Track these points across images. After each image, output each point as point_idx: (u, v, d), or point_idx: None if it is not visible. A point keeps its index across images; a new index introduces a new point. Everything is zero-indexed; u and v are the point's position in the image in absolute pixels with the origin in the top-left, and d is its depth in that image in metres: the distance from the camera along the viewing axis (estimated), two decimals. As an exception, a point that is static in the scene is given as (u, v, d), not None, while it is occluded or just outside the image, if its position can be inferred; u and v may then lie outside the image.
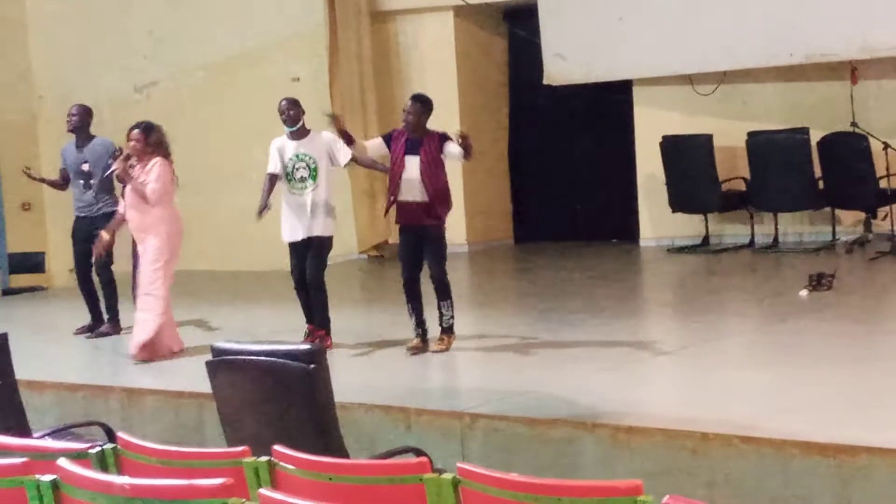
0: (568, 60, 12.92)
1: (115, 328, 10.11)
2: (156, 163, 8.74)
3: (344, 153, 8.74)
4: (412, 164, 8.18)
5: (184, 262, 13.12)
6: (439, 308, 8.32)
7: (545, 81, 13.19)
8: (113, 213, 9.73)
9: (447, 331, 8.36)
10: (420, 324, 8.40)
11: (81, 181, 9.99)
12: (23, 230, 15.13)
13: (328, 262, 8.86)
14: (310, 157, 8.68)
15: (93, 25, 15.03)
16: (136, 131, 8.81)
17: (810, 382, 7.00)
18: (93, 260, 9.74)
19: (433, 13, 13.87)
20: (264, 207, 8.63)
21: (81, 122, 9.98)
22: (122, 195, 8.95)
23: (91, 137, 10.04)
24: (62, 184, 10.26)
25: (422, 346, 8.36)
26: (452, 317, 8.35)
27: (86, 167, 9.92)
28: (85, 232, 9.96)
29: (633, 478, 3.78)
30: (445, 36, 13.88)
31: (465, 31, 14.04)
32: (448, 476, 3.92)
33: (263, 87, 13.56)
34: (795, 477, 5.67)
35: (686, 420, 6.23)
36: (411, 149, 8.22)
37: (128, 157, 8.78)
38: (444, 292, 8.29)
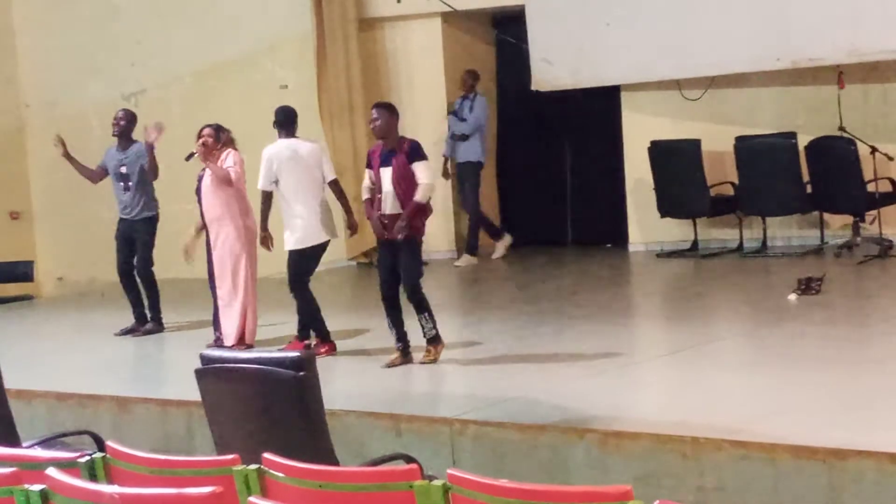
0: (556, 66, 12.93)
1: (159, 327, 10.34)
2: (229, 152, 9.02)
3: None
4: (386, 177, 8.10)
5: (176, 270, 13.17)
6: (419, 321, 8.21)
7: (533, 87, 13.19)
8: (153, 217, 10.23)
9: (432, 341, 8.26)
10: (400, 338, 8.27)
11: (121, 183, 10.24)
12: (11, 239, 15.10)
13: (311, 270, 8.87)
14: None
15: (80, 33, 15.02)
16: (207, 129, 9.09)
17: (800, 386, 7.02)
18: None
19: (421, 20, 13.87)
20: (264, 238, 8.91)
21: (128, 127, 10.27)
22: (196, 191, 9.15)
23: (133, 142, 10.27)
24: (93, 172, 10.42)
25: (400, 361, 8.24)
26: (433, 328, 8.20)
27: (123, 169, 10.19)
28: (126, 234, 10.26)
29: (623, 483, 3.78)
30: (433, 42, 13.88)
31: (452, 37, 14.04)
32: (438, 483, 3.92)
33: (251, 94, 13.56)
34: (785, 480, 5.68)
35: (676, 424, 6.24)
36: (385, 160, 8.14)
37: (205, 143, 8.99)
38: (419, 306, 8.15)
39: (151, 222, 10.25)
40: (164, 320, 10.38)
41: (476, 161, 13.01)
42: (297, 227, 8.71)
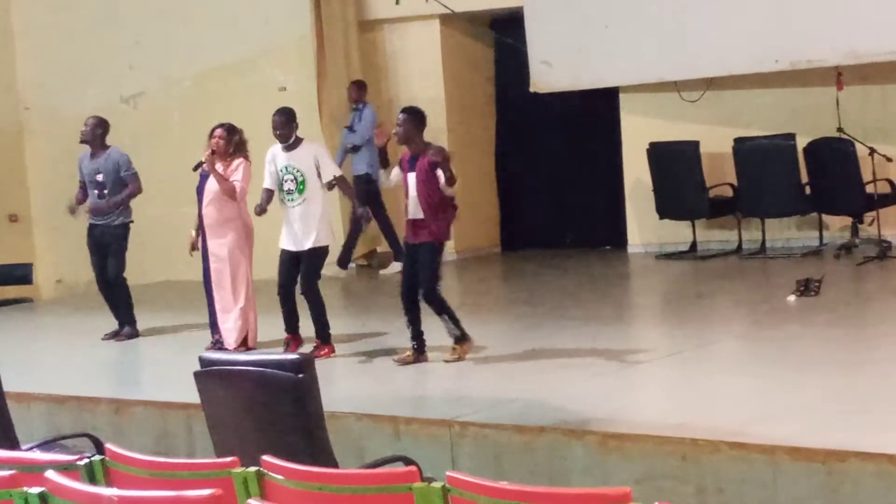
0: (554, 68, 12.94)
1: (135, 331, 10.27)
2: (240, 162, 8.99)
3: (329, 170, 8.72)
4: (411, 182, 8.14)
5: (173, 273, 13.18)
6: (442, 323, 8.26)
7: (532, 89, 13.19)
8: (128, 224, 10.15)
9: (457, 341, 8.29)
10: (415, 336, 8.33)
11: (96, 191, 10.15)
12: (10, 242, 15.10)
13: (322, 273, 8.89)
14: (297, 170, 8.69)
15: (79, 36, 15.02)
16: (219, 129, 9.03)
17: (799, 388, 7.01)
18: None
19: (420, 22, 13.87)
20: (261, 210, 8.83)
21: (93, 134, 10.15)
22: (206, 192, 9.08)
23: (106, 148, 10.20)
24: (83, 199, 10.34)
25: (412, 359, 8.30)
26: (456, 328, 8.25)
27: (100, 177, 10.11)
28: (100, 240, 10.18)
29: (622, 485, 3.78)
30: (432, 44, 13.89)
31: (451, 39, 14.05)
32: (437, 485, 3.92)
33: (251, 96, 13.55)
34: (784, 482, 5.68)
35: (675, 426, 6.24)
36: (411, 166, 8.20)
37: (213, 153, 8.96)
38: (438, 308, 8.20)
39: (126, 228, 10.18)
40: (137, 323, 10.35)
41: (366, 173, 12.56)
42: (322, 225, 8.71)
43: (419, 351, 8.33)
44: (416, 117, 8.27)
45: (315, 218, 8.67)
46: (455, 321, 8.26)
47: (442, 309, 8.21)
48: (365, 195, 11.89)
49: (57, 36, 15.18)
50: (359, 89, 13.13)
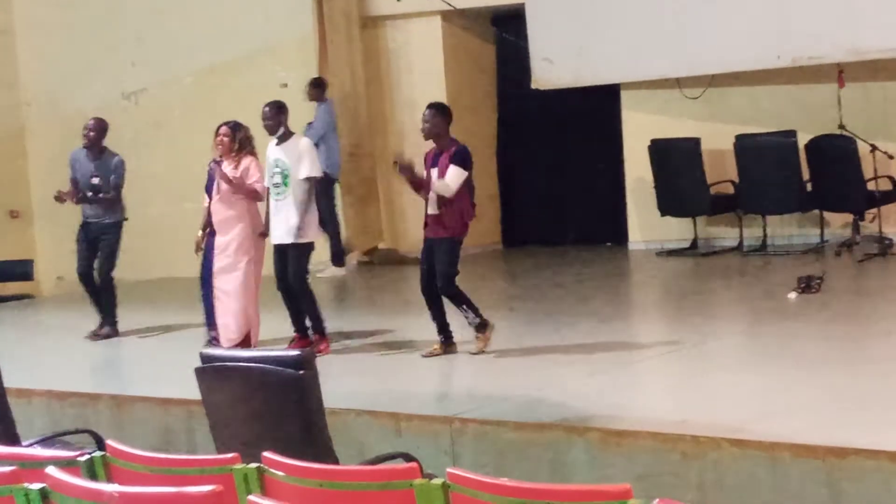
0: (556, 65, 12.94)
1: (115, 331, 10.25)
2: (250, 161, 8.89)
3: (303, 170, 8.66)
4: (434, 178, 8.18)
5: (174, 269, 13.18)
6: (460, 313, 8.29)
7: (533, 86, 13.20)
8: (121, 222, 10.19)
9: (478, 329, 8.32)
10: (441, 330, 8.38)
11: (90, 192, 10.15)
12: (11, 238, 15.12)
13: (309, 268, 8.85)
14: (284, 164, 8.68)
15: (81, 33, 15.03)
16: (224, 128, 8.95)
17: (800, 385, 7.02)
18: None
19: (421, 18, 13.88)
20: (265, 233, 8.82)
21: (98, 138, 10.15)
22: (216, 189, 9.00)
23: (103, 151, 10.20)
24: (76, 191, 10.30)
25: (440, 351, 8.35)
26: (476, 316, 8.28)
27: (96, 180, 10.13)
28: (92, 235, 10.19)
29: (623, 481, 3.78)
30: (434, 41, 13.89)
31: (453, 35, 14.05)
32: (438, 481, 3.92)
33: (252, 93, 13.50)
34: (785, 479, 5.68)
35: (676, 423, 6.24)
36: (433, 162, 8.25)
37: (220, 162, 8.89)
38: (455, 300, 8.25)
39: (120, 227, 10.21)
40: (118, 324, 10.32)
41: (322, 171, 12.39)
42: (309, 219, 8.69)
43: (446, 343, 8.38)
44: (443, 113, 8.34)
45: (300, 212, 8.65)
46: (474, 310, 8.29)
47: (460, 300, 8.26)
48: (324, 191, 11.71)
49: (58, 33, 15.19)
50: (314, 88, 13.00)
